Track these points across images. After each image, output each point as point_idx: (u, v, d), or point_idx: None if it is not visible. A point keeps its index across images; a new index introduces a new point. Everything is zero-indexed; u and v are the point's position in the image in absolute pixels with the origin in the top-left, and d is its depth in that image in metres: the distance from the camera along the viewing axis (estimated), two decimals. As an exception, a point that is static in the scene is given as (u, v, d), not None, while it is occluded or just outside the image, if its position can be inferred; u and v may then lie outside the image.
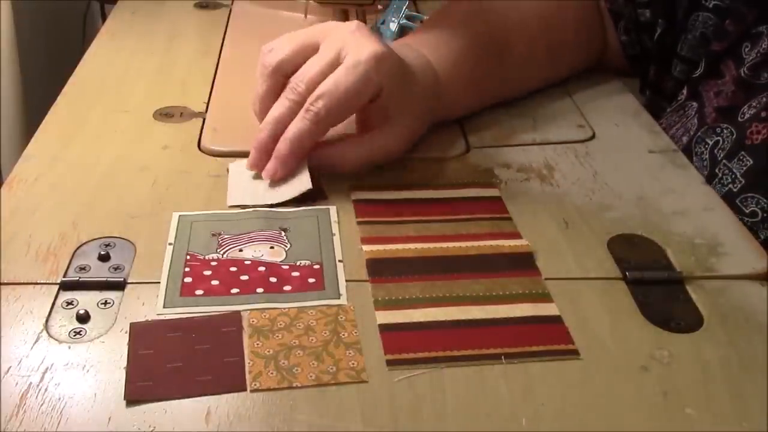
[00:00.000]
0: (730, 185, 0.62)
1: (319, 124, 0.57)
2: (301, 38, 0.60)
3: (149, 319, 0.47)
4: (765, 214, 0.59)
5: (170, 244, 0.53)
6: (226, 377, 0.44)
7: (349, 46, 0.57)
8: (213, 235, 0.54)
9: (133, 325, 0.47)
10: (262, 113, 0.60)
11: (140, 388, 0.43)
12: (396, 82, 0.59)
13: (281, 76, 0.60)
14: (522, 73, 0.72)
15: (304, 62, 0.59)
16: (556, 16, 0.73)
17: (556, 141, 0.67)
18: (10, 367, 0.44)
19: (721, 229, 0.57)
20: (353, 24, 0.60)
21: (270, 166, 0.58)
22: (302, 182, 0.58)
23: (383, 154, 0.61)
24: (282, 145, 0.57)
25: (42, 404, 0.41)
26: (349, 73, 0.56)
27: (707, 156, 0.65)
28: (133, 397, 0.42)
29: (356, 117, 0.62)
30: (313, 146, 0.58)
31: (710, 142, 0.65)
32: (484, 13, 0.70)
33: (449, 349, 0.46)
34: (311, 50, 0.59)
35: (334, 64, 0.57)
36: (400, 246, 0.54)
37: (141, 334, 0.46)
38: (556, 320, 0.48)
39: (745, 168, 0.62)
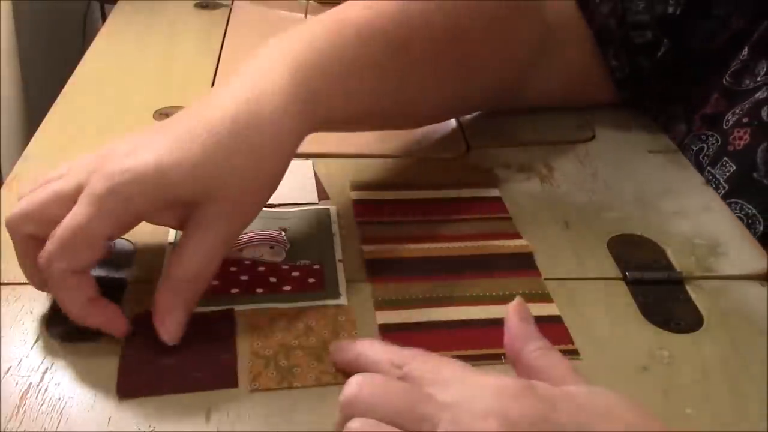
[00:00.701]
0: (714, 191, 0.62)
1: (55, 267, 0.43)
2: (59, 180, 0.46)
3: (142, 313, 0.47)
4: (749, 220, 0.59)
5: (170, 243, 0.53)
6: (219, 374, 0.44)
7: (91, 175, 0.44)
8: (213, 235, 0.54)
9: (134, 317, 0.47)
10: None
11: (132, 383, 0.43)
12: (168, 198, 0.45)
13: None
14: (424, 79, 0.58)
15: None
16: (467, 21, 0.60)
17: (556, 141, 0.67)
18: (10, 367, 0.44)
19: (720, 229, 0.57)
20: (105, 148, 0.46)
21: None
22: (309, 194, 0.58)
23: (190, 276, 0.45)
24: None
25: (42, 404, 0.41)
26: (80, 210, 0.43)
27: (693, 162, 0.65)
28: (125, 393, 0.42)
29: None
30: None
31: (695, 149, 0.65)
32: (381, 9, 0.56)
33: (449, 349, 0.46)
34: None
35: (69, 196, 0.44)
36: (400, 246, 0.54)
37: (135, 330, 0.46)
38: (556, 320, 0.48)
39: (728, 174, 0.62)
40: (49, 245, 0.43)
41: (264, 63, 0.50)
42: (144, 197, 0.44)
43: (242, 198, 0.46)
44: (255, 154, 0.46)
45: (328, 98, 0.51)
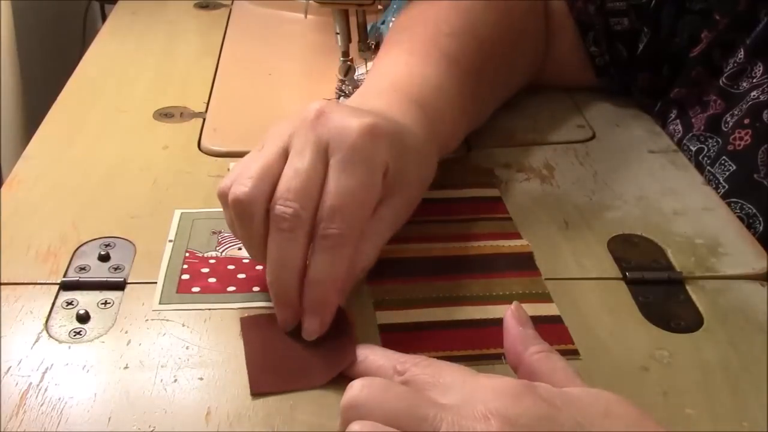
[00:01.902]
0: (714, 191, 0.62)
1: (346, 246, 0.44)
2: (264, 155, 0.46)
3: (248, 316, 0.47)
4: (750, 220, 0.59)
5: (170, 240, 0.53)
6: (341, 355, 0.44)
7: (327, 134, 0.45)
8: (213, 233, 0.54)
9: (243, 320, 0.47)
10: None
11: (265, 381, 0.43)
12: (399, 152, 0.47)
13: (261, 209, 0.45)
14: (491, 92, 0.66)
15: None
16: (507, 32, 0.67)
17: (556, 141, 0.67)
18: (10, 367, 0.44)
19: (721, 229, 0.57)
20: (314, 106, 0.46)
21: (309, 325, 0.45)
22: None
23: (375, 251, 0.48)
24: (313, 293, 0.44)
25: (42, 404, 0.41)
26: (349, 169, 0.44)
27: (693, 162, 0.65)
28: (259, 390, 0.43)
29: None
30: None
31: (694, 149, 0.65)
32: (447, 31, 0.62)
33: (449, 349, 0.46)
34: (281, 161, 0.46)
35: (319, 165, 0.44)
36: (400, 246, 0.54)
37: (252, 328, 0.47)
38: (556, 320, 0.48)
39: (728, 173, 0.62)
40: (346, 214, 0.44)
41: (380, 97, 0.53)
42: (394, 137, 0.47)
43: (411, 198, 0.50)
44: (420, 161, 0.51)
45: (445, 133, 0.56)
